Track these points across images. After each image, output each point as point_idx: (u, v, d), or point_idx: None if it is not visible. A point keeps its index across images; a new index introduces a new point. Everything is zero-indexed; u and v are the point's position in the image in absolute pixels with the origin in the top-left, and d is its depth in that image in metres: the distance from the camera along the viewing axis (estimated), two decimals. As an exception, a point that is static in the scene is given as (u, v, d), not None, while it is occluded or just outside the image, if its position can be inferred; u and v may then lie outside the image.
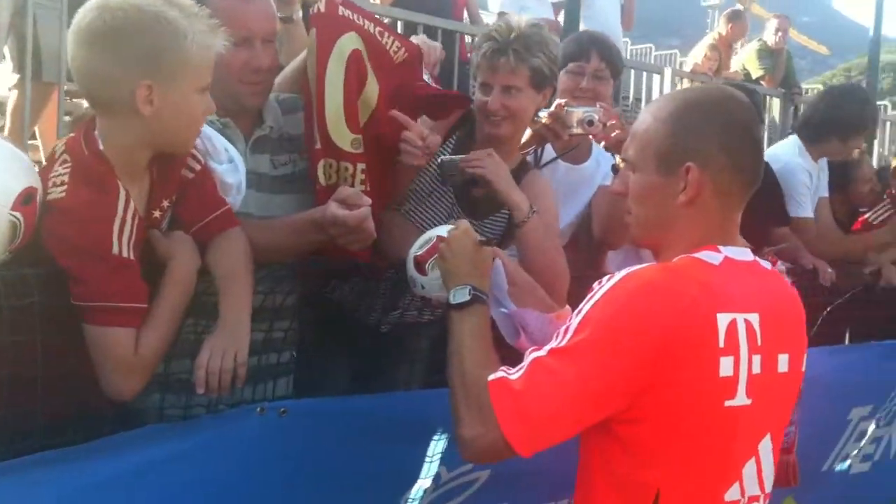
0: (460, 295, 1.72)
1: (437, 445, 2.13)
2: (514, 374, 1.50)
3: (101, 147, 1.68)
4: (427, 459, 2.13)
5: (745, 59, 7.95)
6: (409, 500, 2.15)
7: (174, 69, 1.63)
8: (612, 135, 2.59)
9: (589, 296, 1.52)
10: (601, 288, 1.51)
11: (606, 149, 2.80)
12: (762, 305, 1.54)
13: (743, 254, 1.60)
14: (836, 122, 3.75)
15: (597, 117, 2.48)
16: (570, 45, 2.95)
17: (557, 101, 2.60)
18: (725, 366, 1.47)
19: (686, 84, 7.04)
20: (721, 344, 1.46)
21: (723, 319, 1.46)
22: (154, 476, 1.70)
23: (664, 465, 1.49)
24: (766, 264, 1.65)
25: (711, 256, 1.55)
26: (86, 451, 1.64)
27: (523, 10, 5.07)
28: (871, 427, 3.50)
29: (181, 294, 1.77)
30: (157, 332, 1.71)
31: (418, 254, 1.95)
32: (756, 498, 1.59)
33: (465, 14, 5.79)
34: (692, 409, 1.46)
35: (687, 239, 1.57)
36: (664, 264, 1.57)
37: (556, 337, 1.51)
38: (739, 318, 1.49)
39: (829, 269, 3.51)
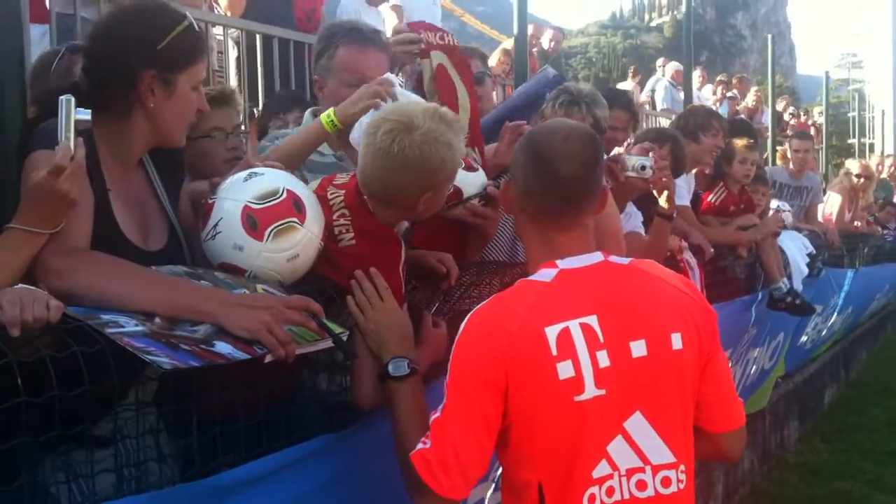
0: (400, 368, 1.86)
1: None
2: (427, 441, 1.65)
3: (376, 216, 2.05)
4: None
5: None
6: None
7: (443, 183, 2.06)
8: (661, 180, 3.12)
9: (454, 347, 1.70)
10: (457, 338, 1.70)
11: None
12: (601, 305, 1.69)
13: (585, 260, 1.76)
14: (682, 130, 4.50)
15: (649, 164, 2.98)
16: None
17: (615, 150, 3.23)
18: (564, 369, 1.63)
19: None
20: (554, 352, 1.63)
21: (551, 332, 1.64)
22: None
23: (536, 461, 1.66)
24: (622, 261, 1.80)
25: (545, 274, 1.73)
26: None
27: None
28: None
29: None
30: None
31: None
32: (639, 469, 1.68)
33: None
34: (543, 410, 1.64)
35: (532, 256, 1.83)
36: (497, 295, 1.76)
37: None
38: (573, 324, 1.65)
39: (712, 249, 4.29)
